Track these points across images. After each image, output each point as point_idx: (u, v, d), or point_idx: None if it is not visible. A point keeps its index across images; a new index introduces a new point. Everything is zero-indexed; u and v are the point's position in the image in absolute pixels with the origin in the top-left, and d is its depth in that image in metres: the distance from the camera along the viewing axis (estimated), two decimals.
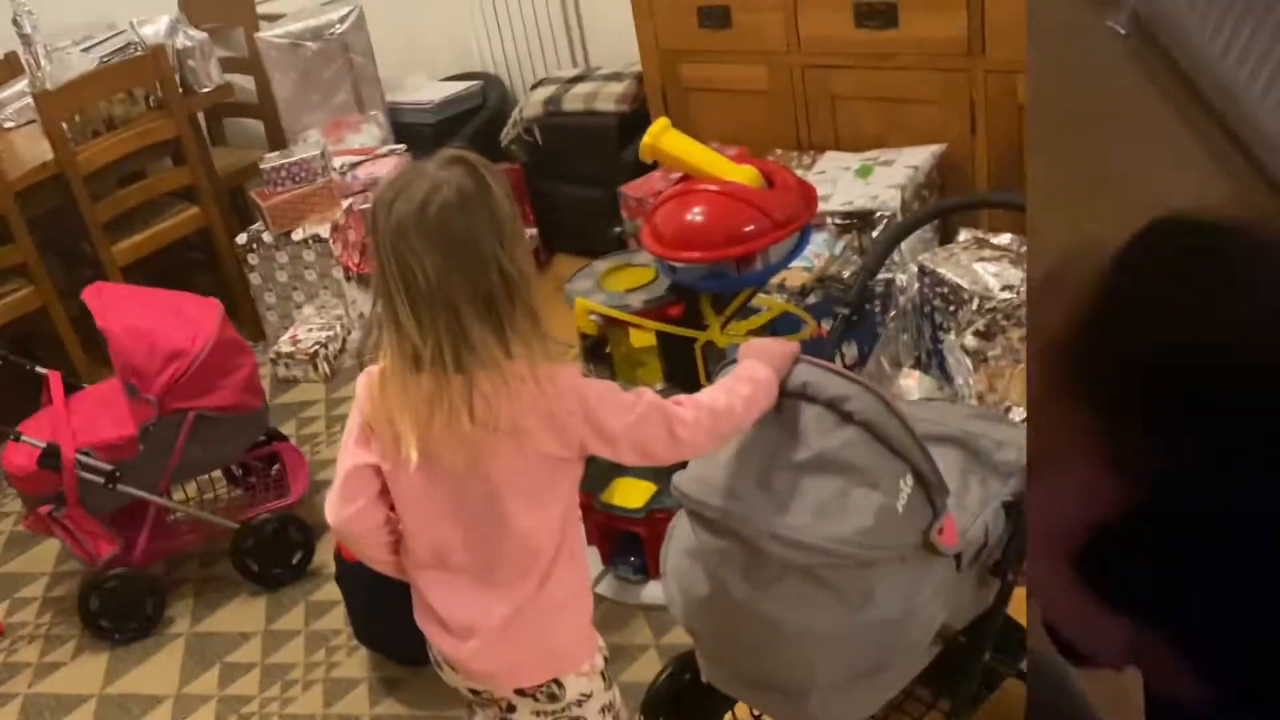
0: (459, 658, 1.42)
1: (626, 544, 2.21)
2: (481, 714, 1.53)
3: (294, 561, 2.51)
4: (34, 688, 2.41)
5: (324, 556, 2.50)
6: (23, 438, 2.32)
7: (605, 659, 1.48)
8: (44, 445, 2.30)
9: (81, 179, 3.25)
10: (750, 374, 1.38)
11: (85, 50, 3.62)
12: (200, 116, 3.89)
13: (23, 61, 3.54)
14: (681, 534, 1.47)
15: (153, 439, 2.34)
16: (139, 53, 3.50)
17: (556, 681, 1.42)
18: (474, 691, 1.48)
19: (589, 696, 1.45)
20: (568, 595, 1.41)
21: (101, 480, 2.32)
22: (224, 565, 2.56)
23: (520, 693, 1.43)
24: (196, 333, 2.34)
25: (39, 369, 2.58)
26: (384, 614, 1.98)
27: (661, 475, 2.15)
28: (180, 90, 3.54)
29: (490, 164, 1.31)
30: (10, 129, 3.67)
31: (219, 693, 2.29)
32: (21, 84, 3.70)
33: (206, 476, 2.72)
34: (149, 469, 2.37)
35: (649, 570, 2.18)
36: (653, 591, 2.17)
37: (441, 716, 2.04)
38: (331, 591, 2.38)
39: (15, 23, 3.38)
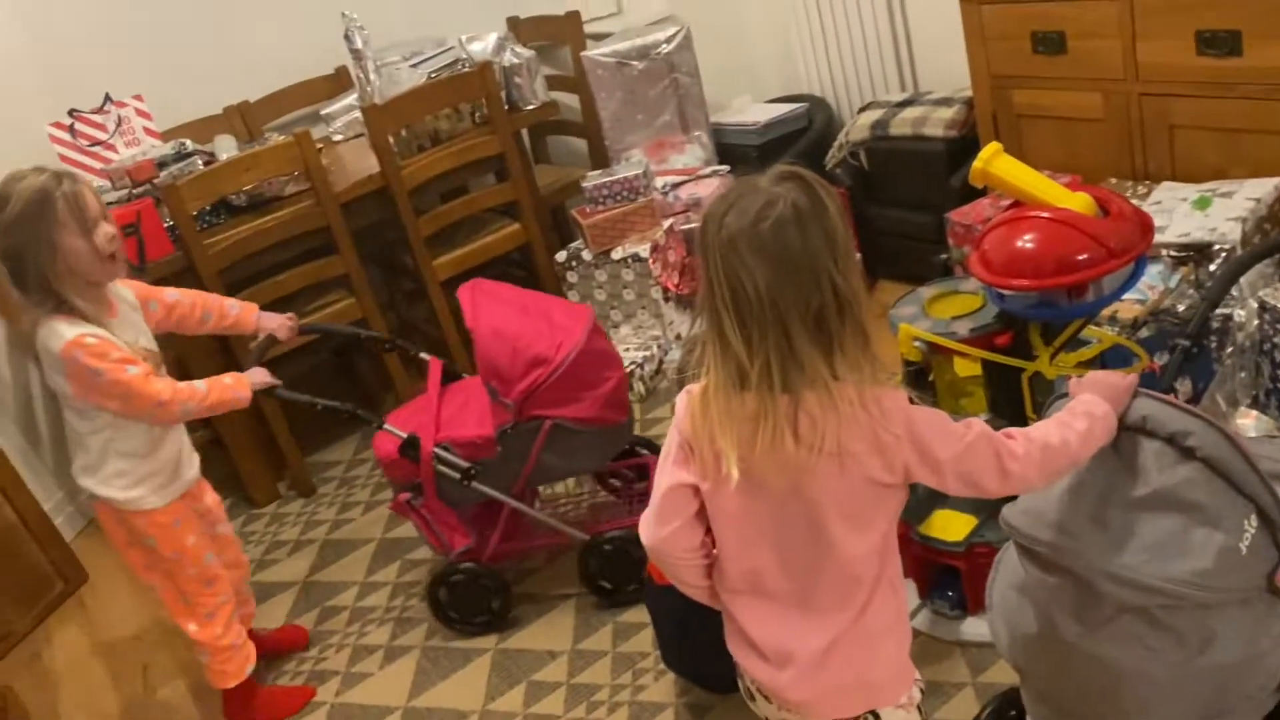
0: (775, 686, 1.41)
1: (944, 578, 2.21)
2: None
3: (635, 582, 2.44)
4: (341, 697, 2.49)
5: None
6: (386, 427, 2.42)
7: (922, 692, 1.46)
8: (405, 436, 2.39)
9: (406, 193, 3.32)
10: (1087, 409, 1.35)
11: (414, 66, 3.70)
12: (524, 134, 3.96)
13: (352, 76, 3.65)
14: (1009, 568, 1.48)
15: (510, 442, 2.39)
16: (466, 69, 3.53)
17: (874, 713, 1.41)
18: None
19: None
20: (886, 625, 1.39)
21: (457, 476, 2.40)
22: (534, 581, 2.63)
23: None
24: (563, 341, 2.34)
25: (423, 354, 2.74)
26: (694, 640, 2.02)
27: (982, 508, 2.14)
28: (505, 107, 3.58)
29: (824, 181, 1.30)
30: (338, 142, 3.81)
31: (524, 710, 2.31)
32: (350, 98, 3.84)
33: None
34: (504, 471, 2.42)
35: (967, 605, 2.18)
36: (970, 627, 2.17)
37: None
38: (640, 614, 2.42)
39: (347, 37, 3.50)
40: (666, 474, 1.41)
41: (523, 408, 2.36)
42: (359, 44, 3.56)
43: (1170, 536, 1.29)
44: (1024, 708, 1.60)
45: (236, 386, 2.28)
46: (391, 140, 3.36)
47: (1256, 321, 2.33)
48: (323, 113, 4.02)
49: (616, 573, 2.50)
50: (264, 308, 2.55)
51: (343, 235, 3.29)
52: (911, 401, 1.34)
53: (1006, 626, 1.48)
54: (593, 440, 2.45)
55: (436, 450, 2.42)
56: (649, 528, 1.44)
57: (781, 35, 4.10)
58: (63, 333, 2.05)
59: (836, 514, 1.32)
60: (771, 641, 1.40)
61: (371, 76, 3.60)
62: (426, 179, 3.45)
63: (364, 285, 3.38)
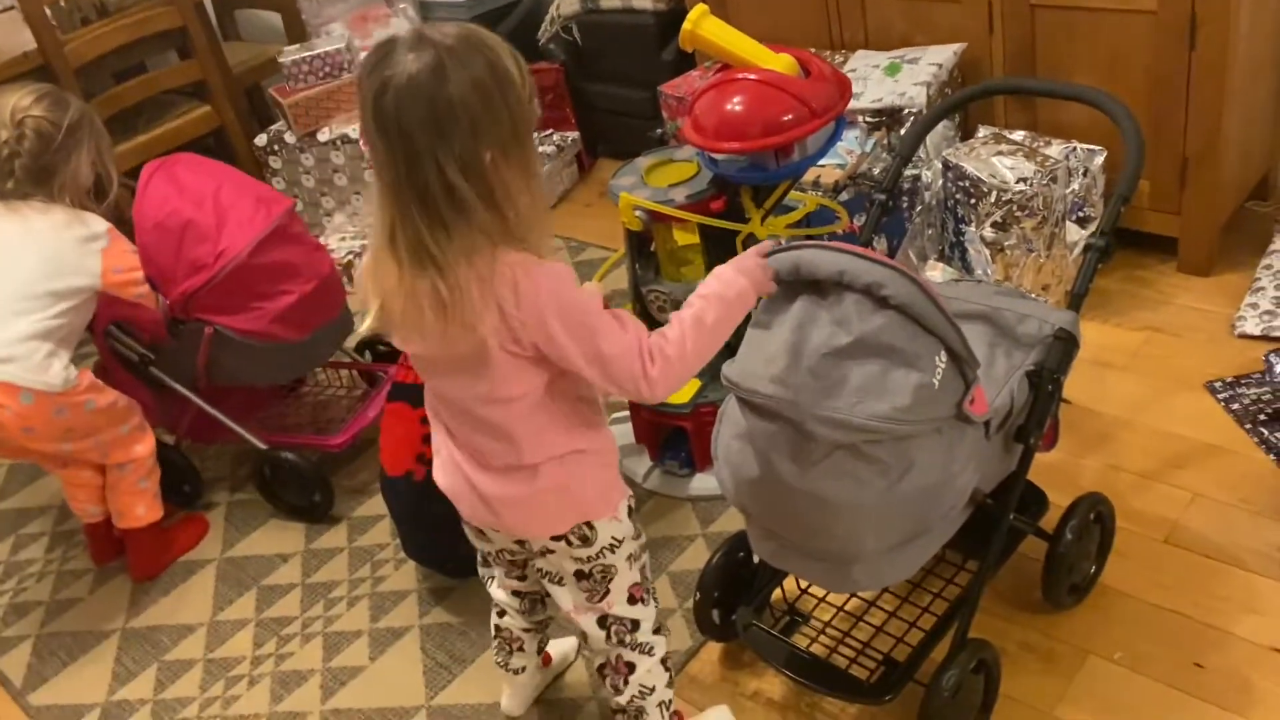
0: (490, 519, 1.48)
1: (673, 439, 2.30)
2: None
3: (312, 500, 2.43)
4: (47, 628, 2.33)
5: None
6: None
7: (631, 507, 1.52)
8: None
9: (71, 72, 3.00)
10: (718, 292, 1.41)
11: None
12: (209, 6, 3.66)
13: None
14: (731, 419, 1.55)
15: (183, 339, 2.30)
16: None
17: (588, 524, 1.47)
18: (518, 543, 1.55)
19: (620, 541, 1.50)
20: (565, 475, 1.43)
21: (135, 359, 2.32)
22: (252, 488, 2.52)
23: (555, 539, 1.47)
24: (229, 246, 2.21)
25: None
26: (429, 526, 2.03)
27: (705, 370, 2.23)
28: None
29: (477, 49, 1.22)
30: None
31: (257, 616, 2.24)
32: None
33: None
34: (183, 363, 2.33)
35: (695, 463, 2.27)
36: (699, 483, 2.27)
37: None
38: (376, 506, 2.38)
39: None
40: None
41: (182, 308, 2.26)
42: None
43: (873, 379, 1.37)
44: (751, 547, 1.70)
45: None
46: (49, 12, 2.99)
47: (941, 181, 2.52)
48: None
49: (289, 487, 2.46)
50: None
51: None
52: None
53: (731, 473, 1.55)
54: (266, 355, 2.34)
55: (110, 328, 2.31)
56: None
57: None
58: None
59: (494, 378, 1.34)
60: (474, 472, 1.44)
61: None
62: (95, 56, 3.12)
63: None
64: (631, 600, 1.55)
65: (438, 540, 2.08)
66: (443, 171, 1.21)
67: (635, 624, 1.57)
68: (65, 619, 2.36)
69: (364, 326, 1.36)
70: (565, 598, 1.55)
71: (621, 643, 1.57)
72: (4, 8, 3.38)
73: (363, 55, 3.45)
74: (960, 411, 1.45)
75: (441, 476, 1.53)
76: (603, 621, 1.56)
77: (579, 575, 1.52)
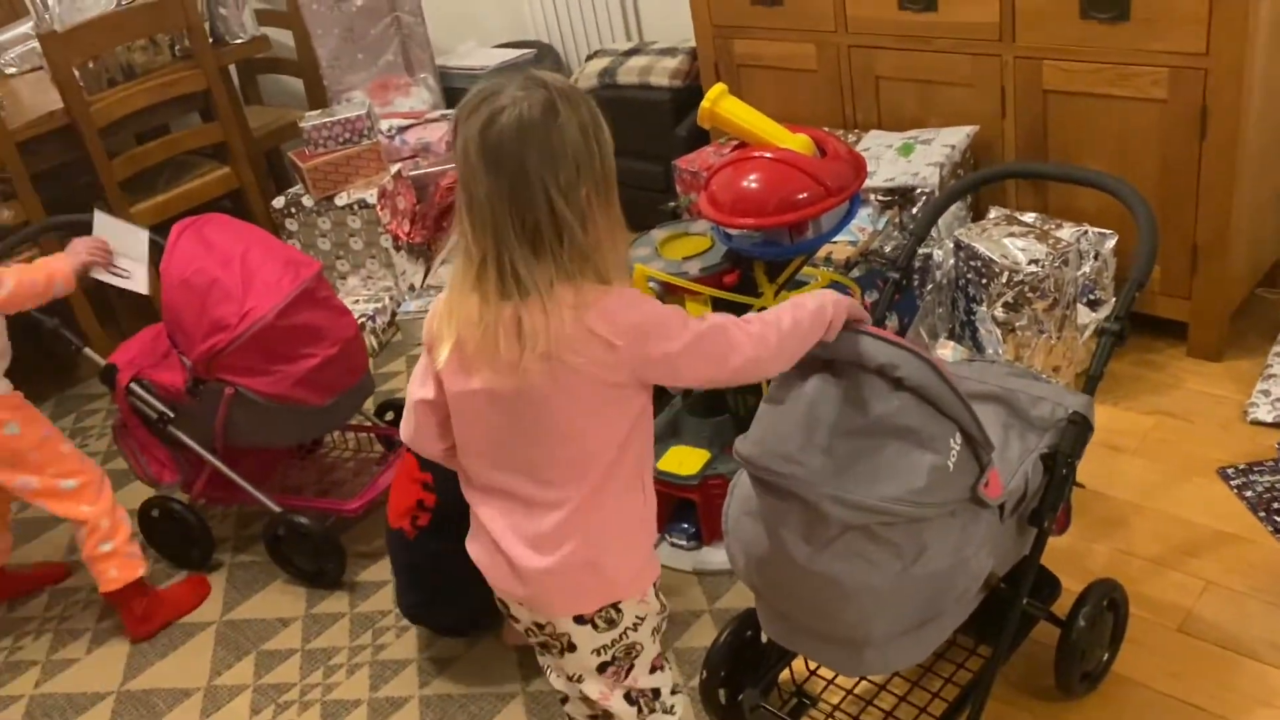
0: (512, 582, 1.42)
1: (680, 511, 2.28)
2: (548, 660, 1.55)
3: (323, 566, 2.39)
4: (41, 688, 2.27)
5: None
6: (86, 351, 2.38)
7: (657, 585, 1.50)
8: (103, 364, 2.32)
9: (95, 131, 3.02)
10: (813, 298, 1.40)
11: None
12: (233, 71, 3.71)
13: (27, 1, 3.31)
14: (743, 494, 1.53)
15: (202, 399, 2.28)
16: None
17: (615, 606, 1.44)
18: (537, 625, 1.48)
19: (643, 619, 1.48)
20: (625, 517, 1.41)
21: (154, 417, 2.32)
22: (258, 549, 2.48)
23: (579, 620, 1.43)
24: (255, 307, 2.18)
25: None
26: (429, 582, 2.02)
27: (714, 442, 2.23)
28: (210, 40, 3.32)
29: (580, 95, 1.29)
30: (12, 75, 3.41)
31: (254, 682, 2.19)
32: (25, 26, 3.45)
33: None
34: (202, 423, 2.32)
35: (702, 536, 2.25)
36: (706, 557, 2.24)
37: (492, 693, 2.04)
38: (380, 572, 2.36)
39: None
40: (415, 384, 1.45)
41: (205, 368, 2.25)
42: None
43: (887, 460, 1.37)
44: (759, 626, 1.67)
45: None
46: (77, 73, 3.03)
47: (952, 260, 2.54)
48: None
49: (300, 551, 2.42)
50: None
51: (20, 177, 2.97)
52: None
53: (742, 549, 1.54)
54: (286, 417, 2.32)
55: (132, 385, 2.33)
56: (404, 428, 1.50)
57: None
58: None
59: (563, 414, 1.34)
60: (506, 536, 1.40)
61: (50, 2, 3.24)
62: (120, 116, 3.16)
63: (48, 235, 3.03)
64: (652, 670, 1.53)
65: (431, 600, 2.07)
66: (550, 199, 1.26)
67: (657, 691, 1.55)
68: (61, 679, 2.32)
69: (440, 361, 1.36)
70: (592, 688, 1.52)
71: (651, 711, 1.55)
72: (33, 68, 3.43)
73: (383, 123, 3.53)
74: (975, 494, 1.44)
75: (474, 545, 1.49)
76: (629, 696, 1.53)
77: (601, 668, 1.49)
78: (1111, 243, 2.49)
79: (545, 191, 1.25)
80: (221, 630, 2.36)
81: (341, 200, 3.40)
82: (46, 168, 3.09)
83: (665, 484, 2.23)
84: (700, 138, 3.25)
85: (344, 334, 2.35)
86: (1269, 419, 2.33)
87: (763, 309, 2.05)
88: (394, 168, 3.46)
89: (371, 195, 3.36)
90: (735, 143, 2.11)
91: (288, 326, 2.23)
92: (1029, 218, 2.54)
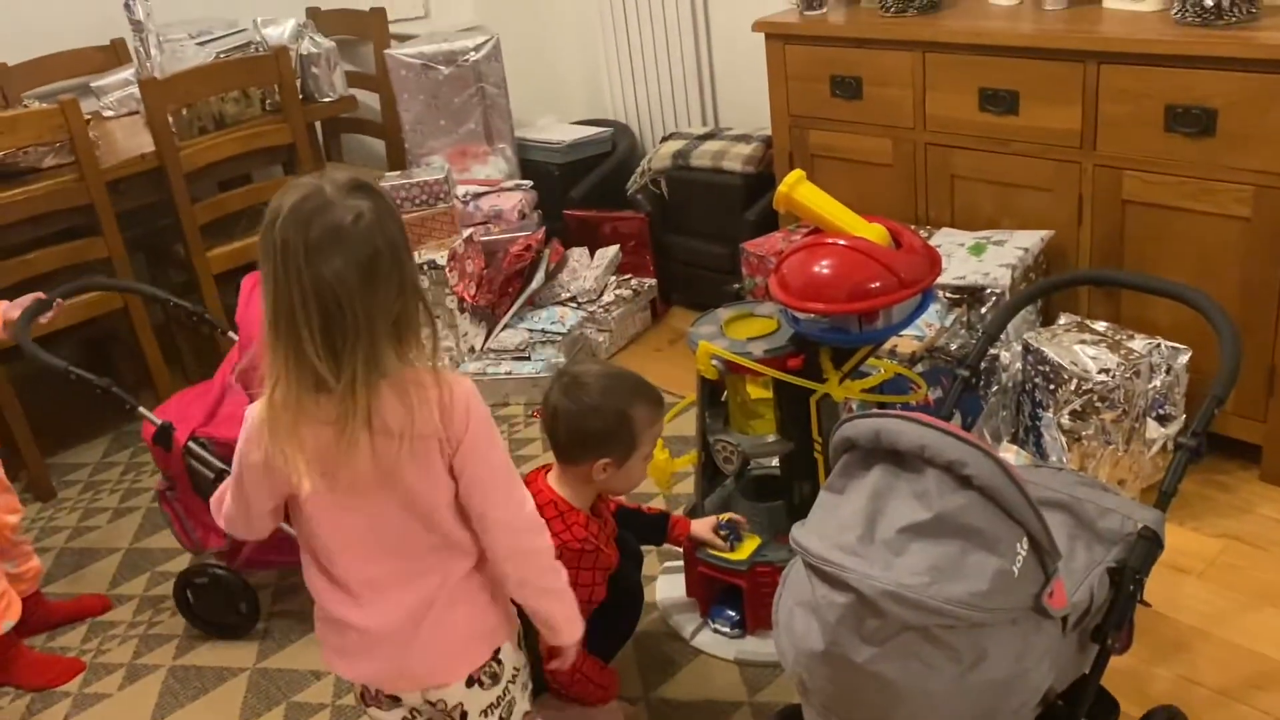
0: (385, 669, 1.51)
1: (725, 597, 2.23)
2: None
3: None
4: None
5: None
6: (140, 410, 2.31)
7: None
8: (160, 423, 2.27)
9: (182, 176, 3.09)
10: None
11: (201, 44, 3.51)
12: (319, 128, 3.80)
13: (130, 49, 3.40)
14: (796, 584, 1.49)
15: None
16: (260, 53, 3.36)
17: (496, 658, 1.55)
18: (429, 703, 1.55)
19: (518, 670, 1.61)
20: (474, 591, 1.52)
21: (211, 476, 2.26)
22: (296, 600, 2.47)
23: (469, 683, 1.53)
24: None
25: (230, 333, 2.46)
26: None
27: (766, 528, 2.20)
28: (300, 97, 3.40)
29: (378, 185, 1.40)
30: (110, 118, 3.52)
31: None
32: (127, 73, 3.55)
33: None
34: None
35: (747, 624, 2.20)
36: (749, 646, 2.18)
37: None
38: None
39: (127, 7, 3.25)
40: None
41: None
42: (140, 15, 3.32)
43: (950, 559, 1.33)
44: None
45: None
46: (170, 120, 3.13)
47: (1020, 364, 2.50)
48: (94, 85, 3.69)
49: None
50: (11, 290, 2.35)
51: (107, 216, 3.04)
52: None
53: (792, 642, 1.48)
54: None
55: (190, 444, 2.28)
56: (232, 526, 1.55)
57: (590, 60, 4.14)
58: None
59: (425, 495, 1.43)
60: (374, 624, 1.48)
61: (153, 51, 3.37)
62: (207, 163, 3.24)
63: (127, 272, 3.13)
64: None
65: None
66: (417, 290, 1.39)
67: None
68: (90, 713, 2.31)
69: (302, 488, 1.38)
70: None
71: None
72: (130, 112, 3.55)
73: (459, 188, 3.59)
74: (1039, 603, 1.39)
75: (354, 660, 1.53)
76: None
77: None
78: (1185, 358, 2.44)
79: (411, 276, 1.39)
80: (255, 678, 2.34)
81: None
82: (132, 207, 3.16)
83: (712, 568, 2.19)
84: (768, 223, 3.27)
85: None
86: None
87: (825, 396, 2.05)
88: (466, 232, 3.52)
89: (442, 257, 3.41)
90: (805, 229, 2.11)
91: None
92: (1101, 326, 2.50)
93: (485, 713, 1.57)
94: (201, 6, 3.83)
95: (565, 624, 1.60)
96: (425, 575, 1.48)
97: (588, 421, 1.85)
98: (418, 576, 1.48)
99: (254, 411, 1.41)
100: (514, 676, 1.59)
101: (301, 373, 1.33)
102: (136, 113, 3.40)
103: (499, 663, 1.56)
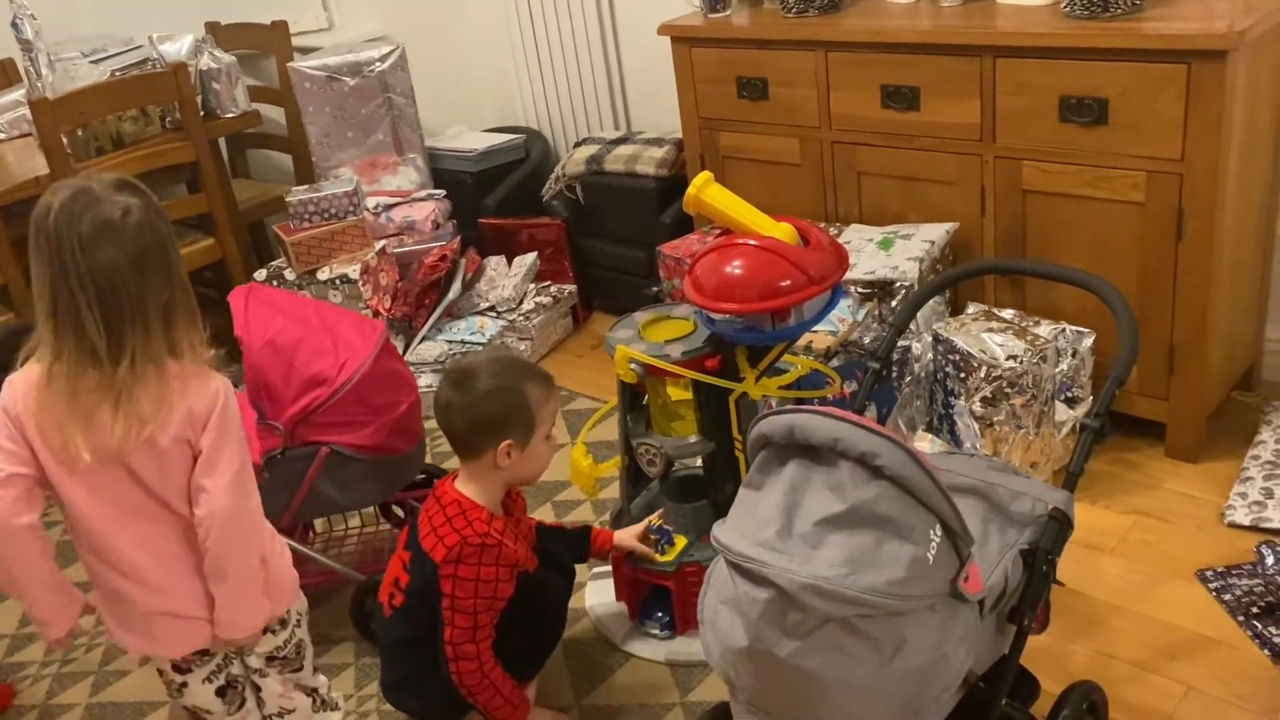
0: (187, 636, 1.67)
1: (654, 599, 2.24)
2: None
3: None
4: None
5: None
6: None
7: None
8: None
9: None
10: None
11: (95, 62, 3.44)
12: (222, 144, 3.74)
13: (20, 69, 3.32)
14: (719, 582, 1.50)
15: (279, 469, 2.13)
16: (158, 69, 3.30)
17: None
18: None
19: (302, 615, 1.81)
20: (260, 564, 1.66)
21: None
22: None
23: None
24: (349, 359, 2.12)
25: None
26: (406, 670, 1.97)
27: (691, 530, 2.20)
28: (201, 113, 3.34)
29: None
30: (0, 141, 3.42)
31: None
32: (16, 94, 3.46)
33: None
34: (271, 500, 2.03)
35: (676, 625, 2.21)
36: (680, 647, 2.19)
37: None
38: None
39: (14, 26, 3.18)
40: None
41: (295, 432, 2.13)
42: (29, 34, 3.21)
43: (866, 549, 1.35)
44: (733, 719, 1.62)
45: None
46: (65, 140, 3.04)
47: (931, 354, 2.55)
48: None
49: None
50: None
51: (1, 244, 2.96)
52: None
53: (717, 639, 1.49)
54: (375, 471, 2.22)
55: None
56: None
57: (500, 67, 4.13)
58: None
59: (157, 484, 1.56)
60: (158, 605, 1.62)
61: (43, 71, 3.26)
62: None
63: (26, 298, 3.01)
64: (314, 670, 1.88)
65: (399, 683, 2.00)
66: (182, 282, 1.55)
67: (316, 689, 1.90)
68: None
69: (79, 451, 1.50)
70: (273, 685, 1.81)
71: (325, 707, 1.90)
72: (21, 134, 3.44)
73: (370, 201, 3.54)
74: (954, 589, 1.41)
75: (160, 636, 1.66)
76: (308, 692, 1.87)
77: (278, 660, 1.78)
78: (1089, 341, 2.51)
79: (177, 269, 1.56)
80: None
81: (324, 274, 3.40)
82: (25, 233, 3.05)
83: (640, 571, 2.19)
84: (684, 226, 3.29)
85: (414, 378, 2.35)
86: (1245, 522, 2.32)
87: (744, 395, 2.07)
88: (379, 244, 3.47)
89: (354, 270, 3.36)
90: (719, 230, 2.12)
91: (382, 373, 2.19)
92: (1007, 314, 2.56)
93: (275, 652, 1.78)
94: (94, 24, 3.74)
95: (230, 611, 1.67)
96: (181, 560, 1.62)
97: (483, 407, 1.85)
98: (176, 562, 1.61)
99: (9, 384, 1.52)
100: (299, 620, 1.80)
101: (80, 346, 1.46)
102: (30, 134, 3.31)
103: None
